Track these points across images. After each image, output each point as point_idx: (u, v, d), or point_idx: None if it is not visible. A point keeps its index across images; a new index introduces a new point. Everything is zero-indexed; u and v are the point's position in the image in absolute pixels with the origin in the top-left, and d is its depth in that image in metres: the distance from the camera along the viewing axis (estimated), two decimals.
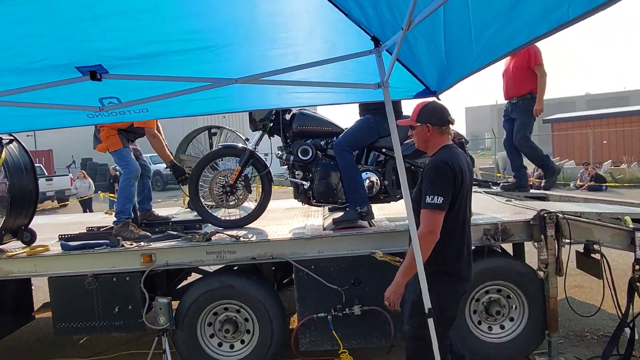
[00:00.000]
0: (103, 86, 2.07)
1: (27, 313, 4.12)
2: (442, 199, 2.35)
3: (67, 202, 17.94)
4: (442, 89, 2.16)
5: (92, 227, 4.49)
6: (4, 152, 3.73)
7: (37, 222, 4.76)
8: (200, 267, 3.97)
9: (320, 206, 4.28)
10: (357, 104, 4.11)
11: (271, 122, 4.10)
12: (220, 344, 3.72)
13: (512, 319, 3.69)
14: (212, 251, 3.59)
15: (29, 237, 3.96)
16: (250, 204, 4.40)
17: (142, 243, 3.74)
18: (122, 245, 3.66)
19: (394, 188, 4.00)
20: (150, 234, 3.95)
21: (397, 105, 3.91)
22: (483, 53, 1.60)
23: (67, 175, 19.24)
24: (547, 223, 3.47)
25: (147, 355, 3.56)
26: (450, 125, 2.48)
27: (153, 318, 3.57)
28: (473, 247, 3.69)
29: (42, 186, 17.41)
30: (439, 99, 2.27)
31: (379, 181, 3.97)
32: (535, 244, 3.56)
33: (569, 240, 3.57)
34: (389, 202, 4.17)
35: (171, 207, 7.27)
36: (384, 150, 4.00)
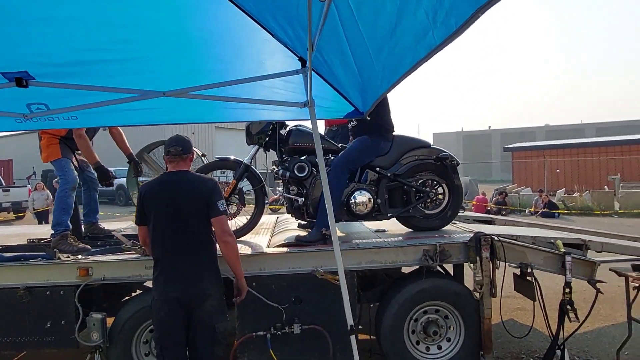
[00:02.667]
0: (31, 92, 2.06)
1: None
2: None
3: (23, 214, 17.25)
4: (367, 109, 2.25)
5: (33, 239, 4.34)
6: None
7: None
8: (139, 282, 3.88)
9: (314, 221, 4.21)
10: (350, 126, 4.20)
11: (267, 136, 4.13)
12: None
13: (449, 340, 3.77)
14: (151, 266, 3.52)
15: None
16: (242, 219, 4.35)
17: (79, 256, 3.64)
18: (58, 258, 3.56)
19: (387, 206, 4.09)
20: (90, 247, 3.86)
21: (390, 123, 4.06)
22: (386, 74, 1.69)
23: (26, 186, 18.54)
24: (482, 245, 3.59)
25: None
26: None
27: (87, 334, 3.47)
28: (416, 267, 3.82)
29: None
30: (367, 118, 2.36)
31: (372, 199, 4.04)
32: (472, 265, 3.66)
33: (503, 263, 3.69)
34: (381, 220, 4.25)
35: (129, 222, 7.10)
36: (377, 169, 4.09)
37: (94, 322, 3.43)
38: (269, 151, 4.29)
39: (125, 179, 5.63)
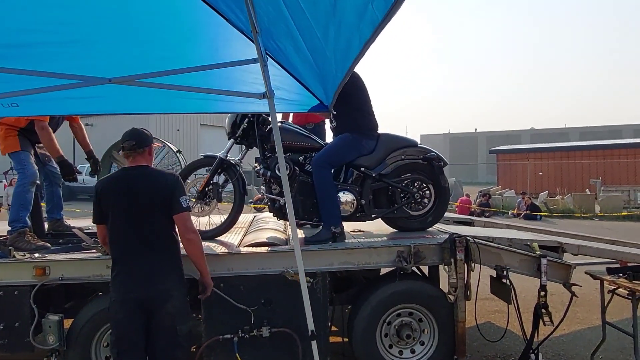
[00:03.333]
0: None
1: None
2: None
3: None
4: (329, 102, 2.13)
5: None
6: None
7: None
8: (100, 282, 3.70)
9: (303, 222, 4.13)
10: (332, 124, 4.06)
11: (242, 130, 3.96)
12: None
13: (422, 343, 3.67)
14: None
15: None
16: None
17: (36, 255, 3.46)
18: (13, 256, 3.37)
19: (371, 207, 3.97)
20: (49, 245, 3.68)
21: (373, 121, 3.93)
22: (338, 60, 1.58)
23: (1, 181, 18.05)
24: (457, 246, 3.50)
25: None
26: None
27: (42, 337, 3.29)
28: (391, 269, 3.71)
29: None
30: (333, 112, 2.24)
31: (355, 200, 3.91)
32: (446, 267, 3.57)
33: (478, 265, 3.61)
34: (365, 221, 4.13)
35: None
36: (362, 169, 3.95)
37: (50, 325, 3.26)
38: (252, 148, 4.14)
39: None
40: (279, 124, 3.92)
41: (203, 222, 4.08)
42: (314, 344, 2.14)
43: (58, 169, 4.31)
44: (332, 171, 3.86)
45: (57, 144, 4.01)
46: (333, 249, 3.53)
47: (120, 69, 1.97)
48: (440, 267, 3.80)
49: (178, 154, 5.86)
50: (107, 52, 1.91)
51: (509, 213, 15.92)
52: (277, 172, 3.82)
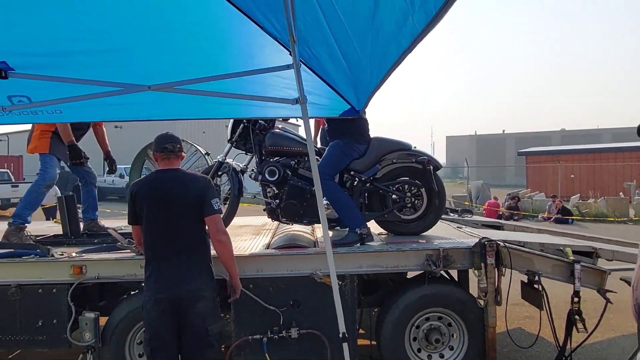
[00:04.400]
0: (12, 84, 1.99)
1: None
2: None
3: None
4: (361, 106, 2.14)
5: (29, 235, 4.30)
6: None
7: None
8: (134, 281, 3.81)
9: (288, 224, 4.32)
10: (325, 127, 4.16)
11: (238, 135, 4.16)
12: None
13: (451, 348, 3.63)
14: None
15: None
16: None
17: (73, 254, 3.58)
18: (52, 255, 3.50)
19: (363, 210, 4.00)
20: (34, 244, 3.85)
21: (363, 125, 3.93)
22: (374, 68, 1.59)
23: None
24: (487, 251, 3.45)
25: None
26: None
27: (79, 334, 3.40)
28: (419, 273, 3.70)
29: (7, 192, 16.99)
30: (364, 116, 2.25)
31: None
32: (476, 271, 3.52)
33: (509, 269, 3.55)
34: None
35: None
36: (352, 172, 4.00)
37: (86, 322, 3.37)
38: (250, 153, 4.29)
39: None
40: (277, 130, 4.17)
41: None
42: (345, 346, 2.15)
43: (93, 170, 4.47)
44: (334, 179, 3.92)
45: (70, 130, 4.09)
46: (362, 252, 3.54)
47: (159, 76, 2.03)
48: (470, 271, 3.76)
49: (206, 156, 5.97)
50: (145, 60, 1.97)
51: (539, 217, 15.53)
52: (266, 176, 3.99)
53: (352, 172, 3.99)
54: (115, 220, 6.57)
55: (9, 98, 2.15)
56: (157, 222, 2.85)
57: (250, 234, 4.60)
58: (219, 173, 4.25)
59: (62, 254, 3.55)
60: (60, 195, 4.80)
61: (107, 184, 23.52)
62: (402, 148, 4.04)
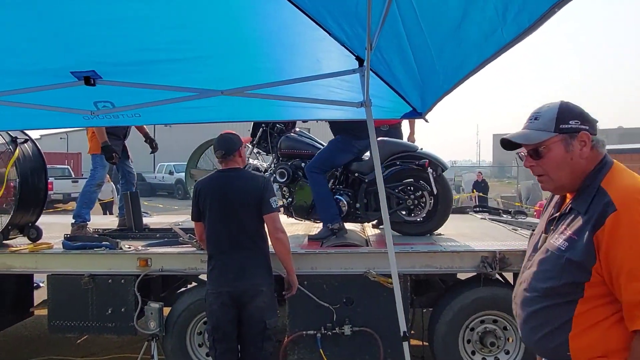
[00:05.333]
0: (98, 90, 2.15)
1: (25, 308, 4.21)
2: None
3: None
4: (425, 109, 2.16)
5: (97, 229, 4.60)
6: (17, 151, 3.88)
7: (52, 221, 4.92)
8: (198, 275, 4.00)
9: (301, 221, 4.66)
10: (329, 124, 4.27)
11: (259, 138, 4.52)
12: (209, 354, 3.71)
13: (507, 352, 3.58)
14: (206, 259, 3.61)
15: (35, 234, 4.07)
16: None
17: (140, 247, 3.80)
18: (120, 248, 3.73)
19: (366, 211, 4.12)
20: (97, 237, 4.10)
21: (364, 123, 4.02)
22: (448, 74, 1.60)
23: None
24: None
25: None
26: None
27: (144, 323, 3.61)
28: (473, 274, 3.67)
29: (68, 187, 18.03)
30: (426, 120, 2.27)
31: (348, 203, 4.13)
32: None
33: None
34: (362, 223, 4.44)
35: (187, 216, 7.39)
36: (357, 174, 4.16)
37: (151, 311, 3.57)
38: (268, 154, 4.61)
39: (183, 173, 5.88)
40: (292, 134, 4.44)
41: None
42: (405, 345, 2.18)
43: (134, 170, 4.77)
44: (325, 174, 4.08)
45: (104, 132, 4.30)
46: (415, 252, 3.54)
47: (230, 81, 2.13)
48: None
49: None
50: (219, 67, 2.08)
51: None
52: (277, 177, 4.28)
53: (356, 174, 4.14)
54: (168, 215, 6.89)
55: (94, 103, 2.33)
56: (219, 219, 2.98)
57: (303, 232, 4.69)
58: None
59: (129, 247, 3.77)
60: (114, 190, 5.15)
61: (157, 180, 24.52)
62: (406, 150, 4.13)
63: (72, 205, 18.17)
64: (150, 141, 5.06)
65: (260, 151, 4.68)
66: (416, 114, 2.24)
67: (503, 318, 3.55)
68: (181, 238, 3.90)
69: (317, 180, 4.00)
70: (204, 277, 4.11)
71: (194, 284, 4.23)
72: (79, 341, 4.69)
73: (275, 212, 3.00)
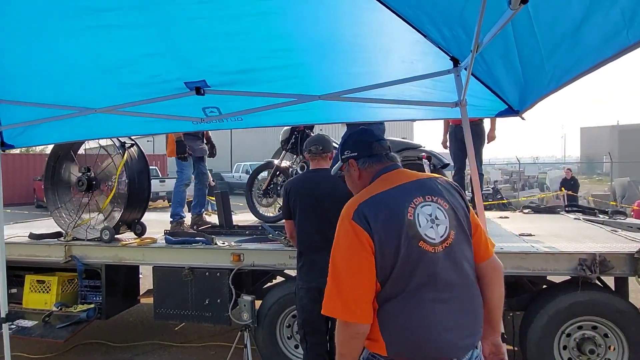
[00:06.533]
0: (206, 97, 2.35)
1: (133, 297, 4.66)
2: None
3: None
4: (523, 107, 2.10)
5: (192, 226, 4.96)
6: (126, 155, 4.30)
7: (149, 218, 5.39)
8: (283, 270, 4.18)
9: None
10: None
11: (289, 143, 5.12)
12: (297, 346, 3.88)
13: None
14: (294, 256, 3.77)
15: (140, 230, 4.50)
16: None
17: (232, 243, 4.05)
18: (215, 244, 4.00)
19: None
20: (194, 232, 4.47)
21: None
22: (556, 74, 1.55)
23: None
24: None
25: (230, 348, 3.84)
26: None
27: (238, 314, 3.84)
28: (568, 278, 3.49)
29: (156, 187, 19.34)
30: (522, 118, 2.21)
31: None
32: (639, 279, 3.21)
33: None
34: None
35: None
36: None
37: (244, 303, 3.78)
38: (299, 155, 5.04)
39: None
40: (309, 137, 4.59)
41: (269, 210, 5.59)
42: (504, 346, 2.14)
43: (208, 170, 5.19)
44: None
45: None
46: (506, 253, 3.44)
47: (327, 86, 2.24)
48: (632, 279, 3.43)
49: None
50: (317, 72, 2.19)
51: None
52: (298, 170, 4.78)
53: None
54: (249, 213, 7.16)
55: (203, 109, 2.56)
56: (309, 217, 3.10)
57: None
58: (277, 173, 5.25)
59: (223, 243, 4.04)
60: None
61: (235, 179, 25.68)
62: (408, 147, 4.32)
63: (160, 203, 19.60)
64: (212, 146, 5.35)
65: (291, 154, 5.24)
66: (512, 111, 2.19)
67: (603, 324, 3.34)
68: (271, 235, 4.10)
69: None
70: (289, 272, 4.33)
71: (279, 279, 4.44)
72: (176, 328, 5.09)
73: None
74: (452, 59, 1.96)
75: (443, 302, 1.53)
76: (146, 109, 2.46)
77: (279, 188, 5.22)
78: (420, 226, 1.53)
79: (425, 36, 1.87)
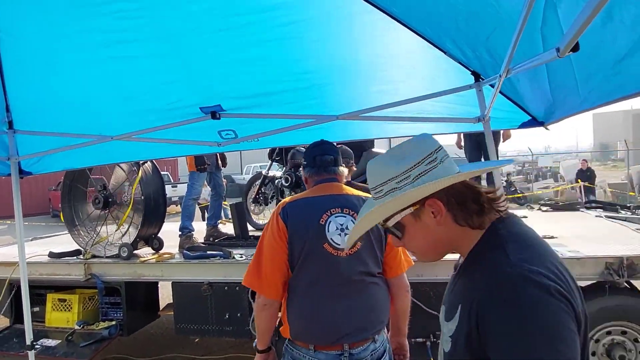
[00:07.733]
0: (222, 120, 2.32)
1: (154, 312, 4.67)
2: None
3: None
4: (550, 120, 2.04)
5: (211, 238, 4.97)
6: (140, 172, 4.30)
7: (165, 228, 5.40)
8: None
9: None
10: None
11: (277, 155, 5.30)
12: None
13: None
14: None
15: (157, 245, 4.50)
16: None
17: (249, 256, 4.03)
18: (233, 257, 3.99)
19: None
20: (203, 246, 4.44)
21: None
22: (591, 96, 1.49)
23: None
24: None
25: None
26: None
27: None
28: (594, 282, 3.41)
29: (168, 192, 19.35)
30: (547, 129, 2.15)
31: None
32: None
33: None
34: None
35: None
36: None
37: None
38: (284, 166, 5.22)
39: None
40: (299, 147, 4.70)
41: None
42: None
43: (223, 182, 5.27)
44: None
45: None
46: None
47: (345, 105, 2.20)
48: None
49: None
50: (335, 93, 2.16)
51: None
52: (283, 182, 4.84)
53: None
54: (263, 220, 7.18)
55: (219, 132, 2.54)
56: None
57: None
58: (265, 182, 5.49)
59: (241, 256, 4.02)
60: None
61: (245, 181, 25.73)
62: None
63: (173, 208, 19.68)
64: (222, 157, 5.36)
65: (277, 164, 5.44)
66: (536, 122, 2.13)
67: (633, 329, 3.27)
68: None
69: None
70: None
71: None
72: (196, 340, 5.10)
73: None
74: (473, 73, 1.91)
75: (337, 297, 1.89)
76: (162, 135, 2.45)
77: (269, 198, 5.53)
78: (328, 231, 1.88)
79: (445, 53, 1.82)
